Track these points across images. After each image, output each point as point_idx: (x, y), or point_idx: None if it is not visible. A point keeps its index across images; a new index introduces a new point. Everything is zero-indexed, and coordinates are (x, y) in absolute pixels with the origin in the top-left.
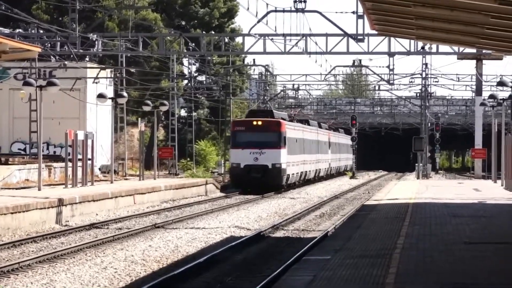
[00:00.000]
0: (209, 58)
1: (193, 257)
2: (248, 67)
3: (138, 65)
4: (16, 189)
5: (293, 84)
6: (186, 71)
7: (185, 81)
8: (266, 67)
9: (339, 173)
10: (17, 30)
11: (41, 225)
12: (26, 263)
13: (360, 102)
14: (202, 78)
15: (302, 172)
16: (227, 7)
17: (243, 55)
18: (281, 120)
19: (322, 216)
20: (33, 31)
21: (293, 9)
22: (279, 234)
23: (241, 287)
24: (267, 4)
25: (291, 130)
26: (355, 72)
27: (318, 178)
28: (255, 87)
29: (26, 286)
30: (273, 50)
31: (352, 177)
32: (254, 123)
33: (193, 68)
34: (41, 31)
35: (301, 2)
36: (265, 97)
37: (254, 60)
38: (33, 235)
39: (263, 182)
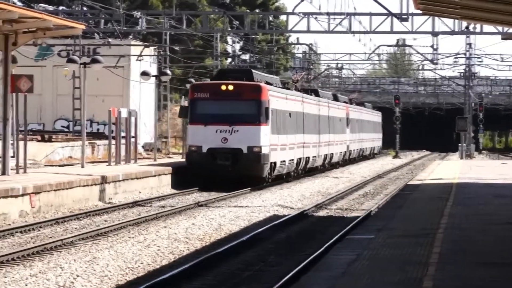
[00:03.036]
0: (253, 36)
1: (236, 235)
2: (292, 45)
3: (182, 43)
4: (59, 166)
5: (337, 63)
6: (230, 49)
7: (229, 60)
8: (310, 45)
9: (363, 157)
10: (61, 7)
11: (84, 203)
12: (69, 240)
13: (403, 81)
14: (245, 56)
15: (299, 158)
16: None
17: (287, 34)
18: (262, 84)
19: (365, 195)
20: (77, 8)
21: None
22: (322, 213)
23: (284, 265)
24: None
25: (280, 100)
26: (398, 52)
27: (329, 165)
28: (299, 65)
29: (69, 263)
30: (317, 29)
31: (395, 156)
32: (223, 87)
33: (237, 46)
34: (85, 8)
35: None
36: (309, 76)
37: (298, 38)
38: (76, 213)
39: (235, 172)
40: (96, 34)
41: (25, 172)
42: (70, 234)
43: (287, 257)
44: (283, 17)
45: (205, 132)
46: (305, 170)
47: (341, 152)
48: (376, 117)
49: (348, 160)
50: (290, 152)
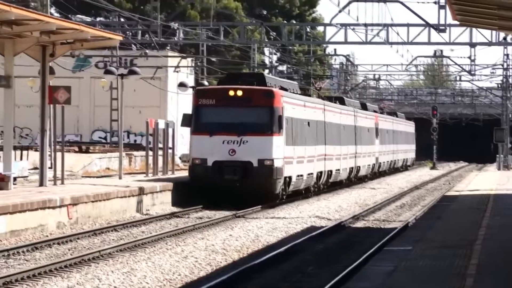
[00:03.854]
0: (290, 47)
1: (273, 246)
2: (329, 56)
3: (219, 54)
4: (97, 177)
5: (374, 74)
6: (267, 60)
7: (266, 71)
8: (347, 57)
9: (395, 169)
10: (99, 19)
11: (121, 214)
12: (106, 251)
13: (441, 92)
14: (283, 67)
15: (320, 172)
16: None
17: (324, 45)
18: (275, 90)
19: (402, 206)
20: (114, 20)
21: None
22: (360, 224)
23: (322, 276)
24: None
25: (296, 107)
26: (436, 63)
27: (356, 179)
28: (336, 77)
29: (107, 275)
30: (354, 40)
31: (433, 167)
32: (231, 93)
33: (274, 57)
34: (123, 20)
35: None
36: (346, 87)
37: (335, 49)
38: (113, 224)
39: (244, 188)
40: (133, 45)
41: (62, 183)
42: (107, 245)
43: (325, 268)
44: (320, 28)
45: (211, 143)
46: (327, 185)
47: (369, 165)
48: (409, 127)
49: (378, 173)
50: (309, 165)
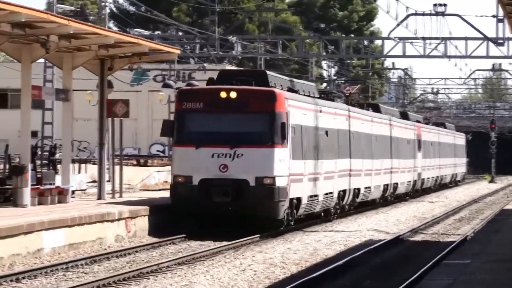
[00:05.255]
0: (348, 61)
1: (331, 260)
2: (387, 70)
3: (277, 67)
4: (155, 190)
5: (432, 88)
6: (325, 73)
7: (324, 84)
8: (405, 70)
9: (442, 185)
10: (157, 32)
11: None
12: (165, 264)
13: (499, 106)
14: (341, 81)
15: (342, 191)
16: (366, 10)
17: (382, 58)
18: (277, 91)
19: (461, 220)
20: (172, 33)
21: (433, 12)
22: (418, 237)
23: None
24: (407, 7)
25: (308, 113)
26: (494, 76)
27: (392, 197)
28: (394, 90)
29: None
30: (412, 54)
31: (491, 181)
32: (222, 95)
33: (332, 71)
34: (181, 33)
35: (441, 5)
36: (404, 101)
37: (393, 63)
38: (172, 237)
39: (238, 213)
40: (191, 59)
41: (121, 196)
42: (166, 258)
43: (383, 281)
44: (378, 42)
45: (197, 157)
46: (353, 205)
47: (409, 181)
48: (458, 139)
49: (421, 190)
50: (327, 182)
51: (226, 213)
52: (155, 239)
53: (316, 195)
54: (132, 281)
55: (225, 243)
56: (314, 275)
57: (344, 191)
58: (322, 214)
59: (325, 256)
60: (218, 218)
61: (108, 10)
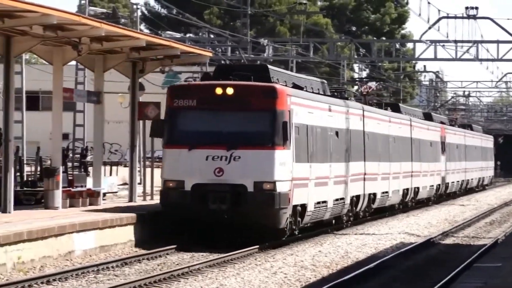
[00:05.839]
0: (379, 64)
1: (362, 263)
2: (419, 73)
3: (309, 70)
4: None
5: (464, 91)
6: (356, 76)
7: (356, 87)
8: (437, 73)
9: (468, 190)
10: (188, 35)
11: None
12: (196, 267)
13: None
14: (372, 84)
15: (355, 196)
16: (398, 13)
17: (413, 61)
18: (279, 86)
19: (492, 223)
20: (204, 36)
21: (464, 15)
22: (449, 240)
23: None
24: (438, 11)
25: (315, 111)
26: None
27: (413, 202)
28: (425, 93)
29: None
30: (444, 57)
31: None
32: (218, 91)
33: (364, 73)
34: (212, 36)
35: (472, 8)
36: (435, 104)
37: (424, 66)
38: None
39: (235, 221)
40: (223, 61)
41: (152, 198)
42: (197, 261)
43: (415, 284)
44: (410, 45)
45: (190, 160)
46: (369, 212)
47: (431, 186)
48: (485, 141)
49: (445, 195)
50: (338, 187)
51: (222, 221)
52: None
53: (324, 202)
54: (163, 284)
55: (256, 245)
56: (345, 278)
57: (358, 196)
58: (334, 221)
59: (356, 259)
60: (213, 227)
61: (139, 13)
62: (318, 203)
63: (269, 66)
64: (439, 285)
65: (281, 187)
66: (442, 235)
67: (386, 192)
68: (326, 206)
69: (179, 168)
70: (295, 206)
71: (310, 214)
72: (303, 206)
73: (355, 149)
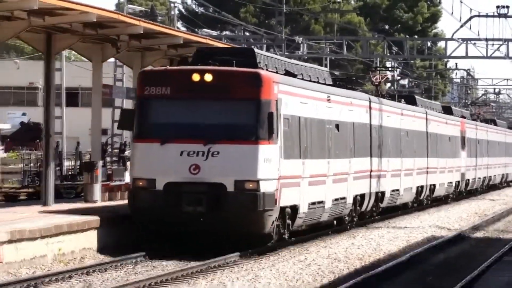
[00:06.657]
0: (411, 61)
1: (394, 255)
2: (450, 71)
3: (342, 68)
4: None
5: (494, 88)
6: (389, 74)
7: (388, 84)
8: (468, 71)
9: (490, 187)
10: (224, 33)
11: None
12: (232, 259)
13: None
14: (404, 81)
15: (360, 195)
16: (430, 12)
17: (445, 59)
18: (264, 72)
19: None
20: (240, 34)
21: (496, 14)
22: (479, 234)
23: (442, 286)
24: (470, 9)
25: (311, 101)
26: None
27: (429, 200)
28: (457, 91)
29: (232, 281)
30: (475, 55)
31: None
32: (195, 77)
33: (396, 71)
34: (248, 34)
35: (504, 7)
36: (467, 101)
37: (456, 64)
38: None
39: (212, 226)
40: None
41: None
42: (233, 253)
43: (445, 277)
44: (441, 43)
45: (162, 155)
46: (377, 211)
47: (450, 183)
48: (510, 137)
49: (465, 192)
50: (338, 186)
51: (198, 225)
52: None
53: (321, 202)
54: (200, 275)
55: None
56: (378, 270)
57: (363, 195)
58: (335, 222)
59: (388, 252)
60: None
61: (176, 11)
62: (313, 203)
63: (256, 50)
64: (469, 277)
65: (265, 187)
66: (472, 229)
67: (397, 190)
68: (324, 206)
69: (150, 165)
70: (283, 208)
71: (303, 216)
72: (294, 208)
73: (360, 144)
